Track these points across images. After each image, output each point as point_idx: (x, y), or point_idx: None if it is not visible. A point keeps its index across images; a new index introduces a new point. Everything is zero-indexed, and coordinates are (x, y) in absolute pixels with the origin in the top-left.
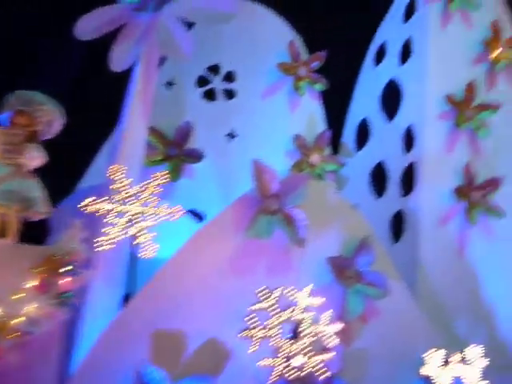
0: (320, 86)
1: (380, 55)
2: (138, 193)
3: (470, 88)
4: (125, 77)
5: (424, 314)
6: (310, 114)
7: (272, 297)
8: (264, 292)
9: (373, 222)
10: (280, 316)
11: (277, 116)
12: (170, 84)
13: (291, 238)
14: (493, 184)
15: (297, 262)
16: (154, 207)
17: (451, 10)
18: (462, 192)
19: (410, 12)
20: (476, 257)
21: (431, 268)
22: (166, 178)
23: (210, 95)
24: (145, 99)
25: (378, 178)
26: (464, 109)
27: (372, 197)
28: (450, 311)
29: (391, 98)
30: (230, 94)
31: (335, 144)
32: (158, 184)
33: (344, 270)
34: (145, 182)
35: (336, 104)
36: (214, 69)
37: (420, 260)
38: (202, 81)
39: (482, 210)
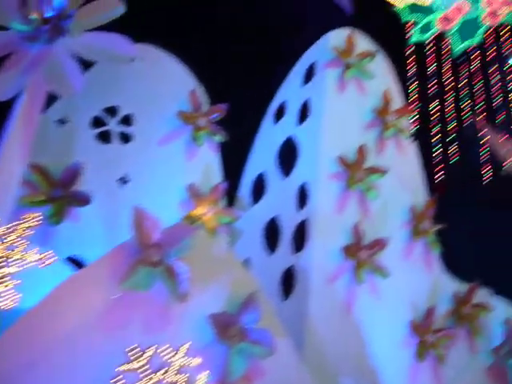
0: (219, 138)
1: (280, 113)
2: (3, 234)
3: (361, 151)
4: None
5: (310, 372)
6: (206, 165)
7: (144, 356)
8: (135, 351)
9: (264, 278)
10: (151, 378)
11: (173, 164)
12: (62, 122)
13: (171, 292)
14: (379, 244)
15: (176, 319)
16: (22, 252)
17: (347, 78)
18: (350, 251)
19: (309, 75)
20: (363, 315)
21: (319, 325)
22: (38, 220)
23: (104, 137)
24: (25, 133)
25: (272, 234)
26: (355, 171)
27: (264, 252)
28: (336, 369)
29: (288, 156)
30: (125, 138)
31: (231, 197)
32: (29, 226)
33: (227, 328)
34: (13, 224)
35: (234, 157)
36: (111, 110)
37: (308, 317)
38: (97, 122)
39: (368, 270)
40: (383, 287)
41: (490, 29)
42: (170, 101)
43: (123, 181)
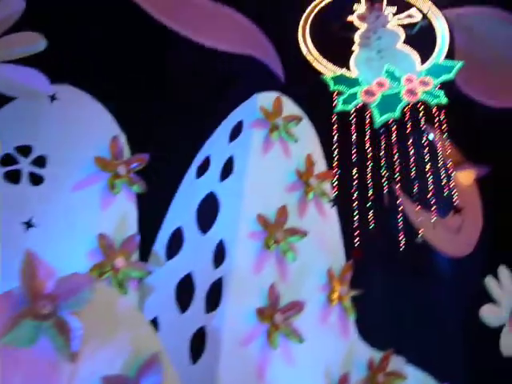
0: (137, 188)
1: (203, 168)
2: None
3: (282, 212)
4: None
5: None
6: (121, 215)
7: None
8: None
9: (173, 339)
10: None
11: (85, 211)
12: None
13: (61, 349)
14: (295, 308)
15: (64, 381)
16: None
17: (272, 139)
18: (264, 313)
19: (236, 132)
20: (275, 381)
21: None
22: None
23: (13, 177)
24: None
25: (185, 291)
26: (274, 231)
27: (176, 311)
28: None
29: (208, 212)
30: (36, 180)
31: (145, 250)
32: None
33: None
34: None
35: (152, 209)
36: (24, 150)
37: (218, 382)
38: (7, 160)
39: (283, 334)
40: (297, 352)
41: (408, 105)
42: (89, 145)
43: (29, 225)
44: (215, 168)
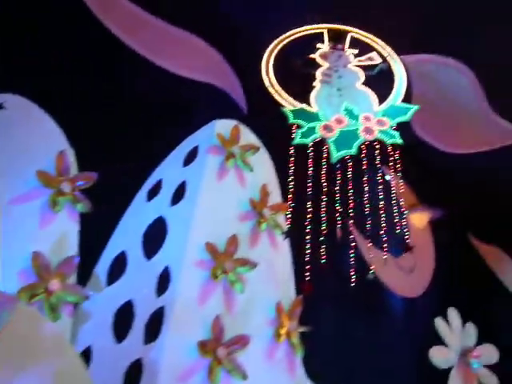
0: (82, 207)
1: (154, 191)
2: None
3: (232, 241)
4: None
5: None
6: (61, 234)
7: None
8: None
9: (106, 370)
10: None
11: (21, 228)
12: None
13: None
14: (240, 342)
15: None
16: None
17: (228, 166)
18: (207, 347)
19: (190, 158)
20: None
21: None
22: None
23: None
24: None
25: (124, 319)
26: (223, 261)
27: (112, 340)
28: None
29: (155, 236)
30: None
31: (85, 273)
32: None
33: None
34: None
35: (97, 230)
36: None
37: None
38: None
39: (225, 369)
40: None
41: (365, 142)
42: (33, 158)
43: None
44: (166, 192)
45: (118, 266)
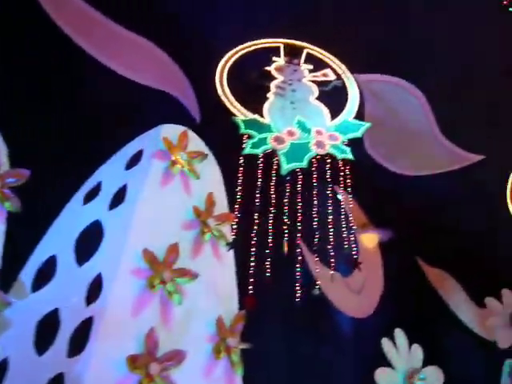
0: (10, 206)
1: (92, 194)
2: None
3: (172, 250)
4: None
5: None
6: None
7: None
8: None
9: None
10: None
11: None
12: None
13: None
14: (175, 358)
15: None
16: None
17: (173, 172)
18: (138, 362)
19: (134, 161)
20: None
21: None
22: None
23: None
24: None
25: (48, 330)
26: (161, 270)
27: (33, 352)
28: None
29: (90, 241)
30: None
31: (9, 279)
32: None
33: None
34: None
35: (27, 232)
36: None
37: None
38: None
39: None
40: None
41: (316, 156)
42: None
43: None
44: (105, 195)
45: (46, 272)
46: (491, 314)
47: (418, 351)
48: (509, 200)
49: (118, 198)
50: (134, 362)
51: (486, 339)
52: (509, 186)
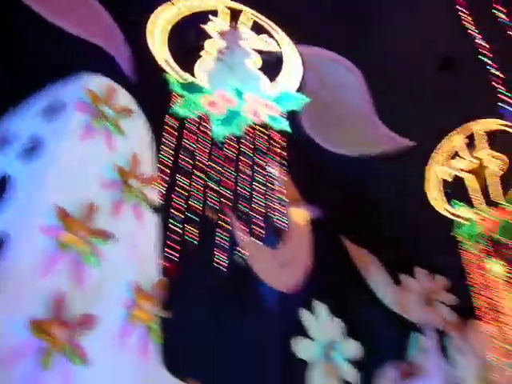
0: None
1: (2, 143)
2: None
3: (89, 209)
4: None
5: None
6: None
7: None
8: None
9: None
10: None
11: None
12: None
13: None
14: (86, 323)
15: None
16: None
17: (95, 126)
18: (41, 326)
19: (52, 111)
20: None
21: None
22: None
23: None
24: None
25: None
26: (75, 229)
27: None
28: None
29: None
30: None
31: None
32: None
33: None
34: None
35: None
36: None
37: None
38: None
39: (63, 354)
40: (80, 377)
41: (253, 125)
42: None
43: None
44: (17, 146)
45: None
46: (405, 290)
47: (337, 324)
48: (426, 186)
49: (33, 150)
50: (36, 325)
51: (399, 314)
52: (426, 173)
